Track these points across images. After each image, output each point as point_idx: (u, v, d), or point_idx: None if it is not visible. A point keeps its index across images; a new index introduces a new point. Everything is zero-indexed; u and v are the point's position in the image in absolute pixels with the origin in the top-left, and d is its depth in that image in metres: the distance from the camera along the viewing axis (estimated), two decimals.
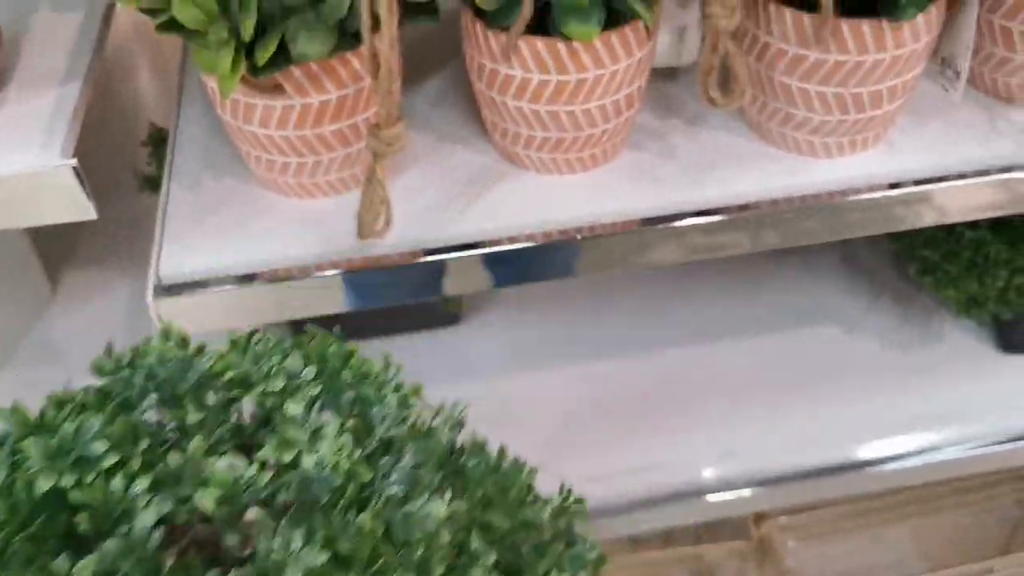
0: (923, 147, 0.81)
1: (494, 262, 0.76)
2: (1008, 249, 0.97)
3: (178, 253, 0.74)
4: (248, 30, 0.62)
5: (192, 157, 0.82)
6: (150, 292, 0.71)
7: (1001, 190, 0.81)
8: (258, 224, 0.77)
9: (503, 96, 0.74)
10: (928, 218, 0.82)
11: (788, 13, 0.71)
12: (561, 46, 0.69)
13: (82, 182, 0.65)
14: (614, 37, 0.70)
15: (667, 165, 0.81)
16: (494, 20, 0.70)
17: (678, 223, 0.77)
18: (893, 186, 0.79)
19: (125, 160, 1.09)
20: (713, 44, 0.70)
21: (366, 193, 0.69)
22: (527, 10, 0.67)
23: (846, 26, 0.70)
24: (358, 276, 0.75)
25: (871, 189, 0.79)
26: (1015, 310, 0.99)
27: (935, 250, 0.99)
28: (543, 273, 0.78)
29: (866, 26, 0.70)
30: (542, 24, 0.69)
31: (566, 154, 0.78)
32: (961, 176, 0.79)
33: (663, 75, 0.89)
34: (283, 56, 0.66)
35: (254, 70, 0.66)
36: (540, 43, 0.69)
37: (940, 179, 0.79)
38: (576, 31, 0.67)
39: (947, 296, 0.99)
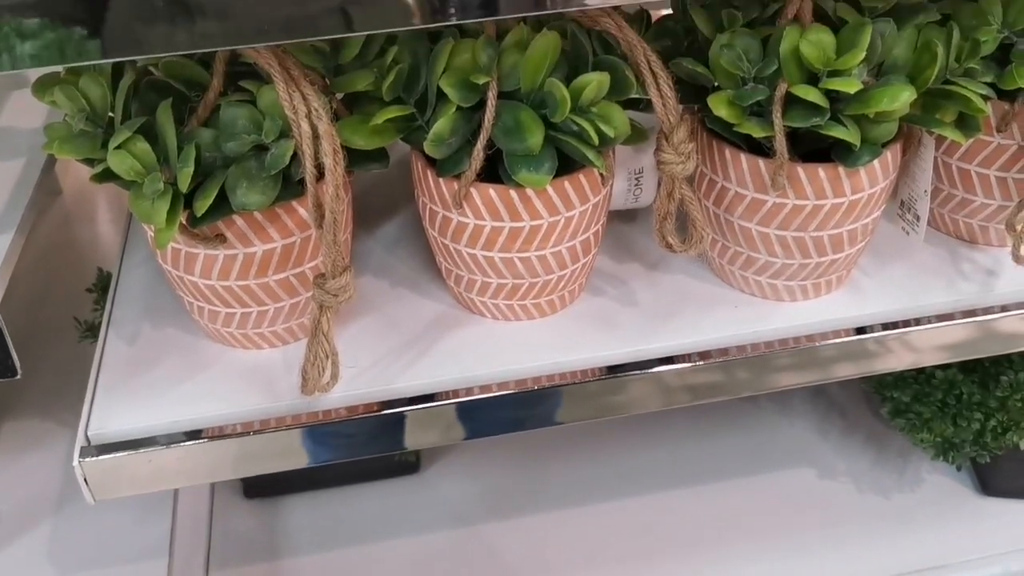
0: (888, 290, 0.79)
1: (452, 415, 0.73)
2: (980, 391, 0.95)
3: (111, 409, 0.69)
4: (185, 181, 0.59)
5: (133, 305, 0.79)
6: (76, 452, 0.67)
7: (968, 332, 0.79)
8: (200, 377, 0.73)
9: (456, 243, 0.72)
10: (896, 362, 0.79)
11: (744, 158, 0.71)
12: (513, 193, 0.68)
13: (4, 338, 0.61)
14: (567, 183, 0.68)
15: (628, 311, 0.78)
16: (444, 169, 0.68)
17: (642, 371, 0.74)
18: (860, 331, 0.77)
19: (74, 307, 1.06)
20: (668, 190, 0.69)
21: (311, 347, 0.65)
22: (477, 159, 0.66)
23: (802, 171, 0.69)
24: (304, 432, 0.70)
25: (837, 334, 0.77)
26: (993, 453, 0.96)
27: (905, 391, 0.96)
28: (500, 426, 0.74)
29: (822, 171, 0.69)
30: (493, 171, 0.68)
31: (523, 300, 0.75)
32: (927, 319, 0.78)
33: (622, 217, 0.88)
34: (225, 204, 0.63)
35: (194, 219, 0.63)
36: (492, 190, 0.68)
37: (907, 323, 0.77)
38: (527, 179, 0.65)
39: (921, 440, 0.95)
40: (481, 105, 0.66)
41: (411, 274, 0.82)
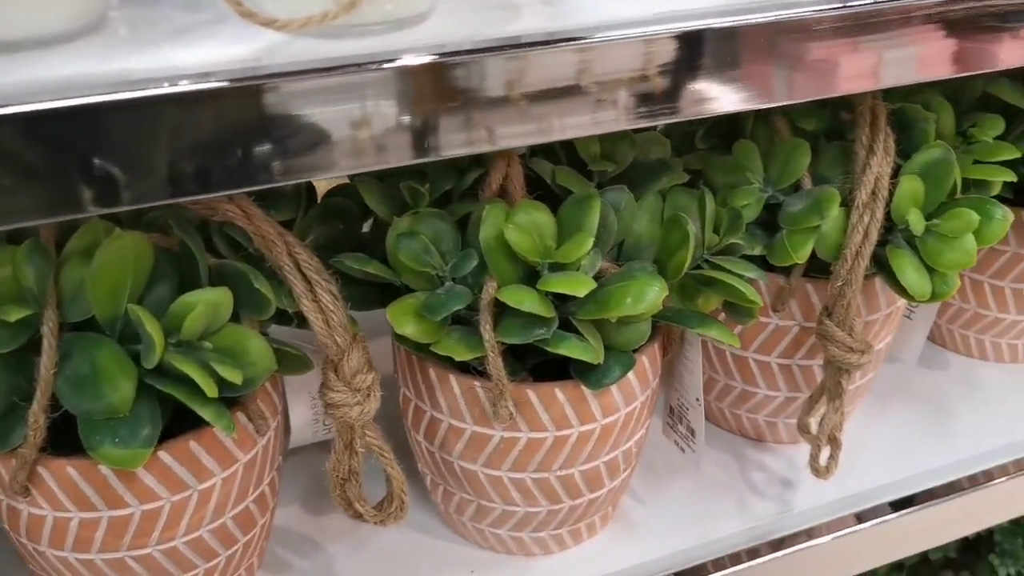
0: (669, 522, 0.61)
1: None
2: None
3: None
4: None
5: None
6: None
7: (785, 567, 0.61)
8: None
9: (36, 543, 0.47)
10: None
11: (454, 380, 0.51)
12: (104, 469, 0.44)
13: None
14: (194, 444, 0.46)
15: None
16: None
17: None
18: None
19: None
20: (346, 442, 0.48)
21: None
22: (38, 428, 0.42)
23: (534, 395, 0.50)
24: None
25: None
26: None
27: None
28: None
29: (560, 393, 0.50)
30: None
31: None
32: (720, 562, 0.59)
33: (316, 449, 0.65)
34: None
35: None
36: (71, 468, 0.44)
37: (692, 571, 0.59)
38: (112, 456, 0.42)
39: None
40: (34, 345, 0.43)
41: None
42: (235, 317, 0.46)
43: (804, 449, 0.66)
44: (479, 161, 0.52)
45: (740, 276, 0.50)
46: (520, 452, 0.52)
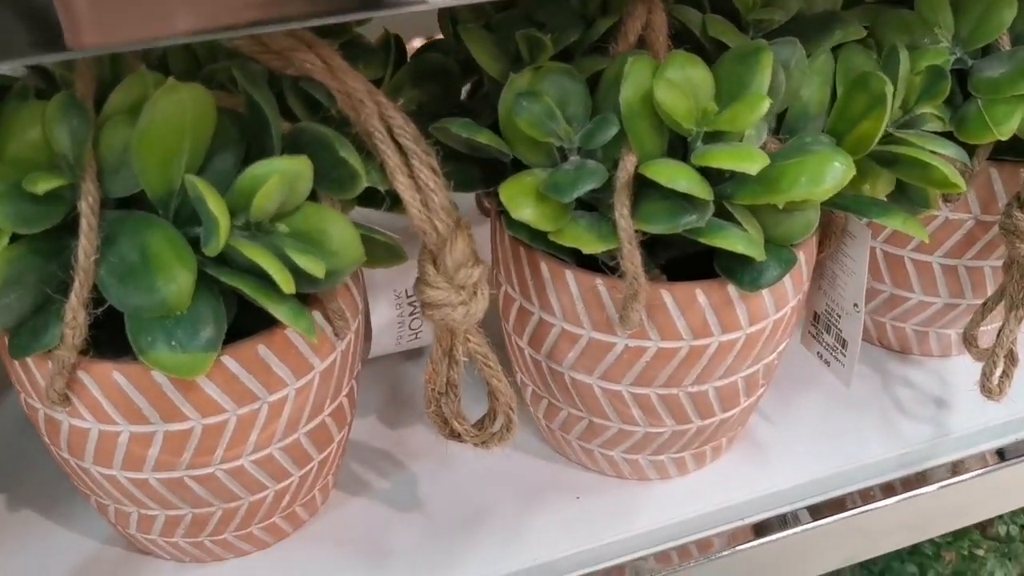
0: (804, 444, 0.52)
1: None
2: None
3: None
4: None
5: None
6: None
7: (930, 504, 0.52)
8: None
9: (79, 460, 0.40)
10: (831, 559, 0.52)
11: (571, 277, 0.42)
12: (158, 376, 0.36)
13: None
14: (263, 348, 0.38)
15: (403, 525, 0.48)
16: (19, 344, 0.36)
17: None
18: (758, 531, 0.49)
19: None
20: (445, 348, 0.39)
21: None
22: (78, 325, 0.34)
23: (670, 297, 0.41)
24: None
25: (735, 538, 0.49)
26: None
27: None
28: None
29: (702, 295, 0.41)
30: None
31: (216, 536, 0.44)
32: (868, 493, 0.51)
33: (402, 358, 0.57)
34: None
35: None
36: (118, 373, 0.36)
37: (835, 502, 0.50)
38: (168, 362, 0.34)
39: None
40: (70, 226, 0.34)
41: None
42: (312, 196, 0.37)
43: (955, 364, 0.58)
44: (606, 8, 0.42)
45: (936, 153, 0.40)
46: (647, 364, 0.43)
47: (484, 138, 0.38)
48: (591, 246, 0.37)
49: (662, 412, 0.45)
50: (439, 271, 0.38)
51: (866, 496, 0.50)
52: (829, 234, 0.46)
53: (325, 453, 0.45)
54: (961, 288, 0.53)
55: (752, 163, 0.34)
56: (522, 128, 0.37)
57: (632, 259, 0.38)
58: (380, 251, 0.39)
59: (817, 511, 0.50)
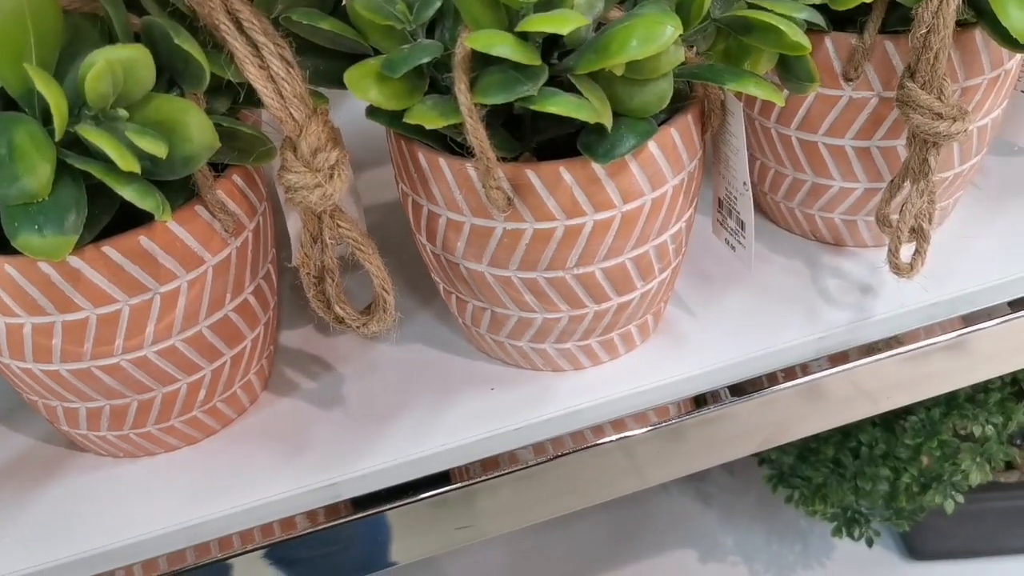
0: (723, 335, 0.53)
1: None
2: (884, 437, 0.69)
3: None
4: None
5: None
6: None
7: (844, 383, 0.53)
8: None
9: None
10: (757, 439, 0.53)
11: (444, 163, 0.43)
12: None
13: None
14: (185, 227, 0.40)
15: (317, 421, 0.51)
16: None
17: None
18: (699, 403, 0.50)
19: None
20: (313, 233, 0.42)
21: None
22: None
23: (534, 176, 0.42)
24: None
25: (648, 419, 0.50)
26: (911, 519, 0.70)
27: (785, 449, 0.70)
28: None
29: (566, 172, 0.42)
30: None
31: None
32: (787, 373, 0.51)
33: None
34: None
35: None
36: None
37: (755, 384, 0.51)
38: (31, 245, 0.37)
39: (815, 513, 0.70)
40: None
41: None
42: (182, 96, 0.40)
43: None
44: None
45: (789, 18, 0.40)
46: (527, 247, 0.44)
47: (327, 25, 0.40)
48: (434, 122, 0.39)
49: (553, 296, 0.47)
50: (297, 156, 0.40)
51: (777, 378, 0.51)
52: (710, 111, 0.47)
53: (237, 349, 0.48)
54: (878, 171, 0.53)
55: (566, 24, 0.36)
56: (360, 11, 0.39)
57: (476, 134, 0.39)
58: (245, 142, 0.42)
59: (735, 391, 0.51)
